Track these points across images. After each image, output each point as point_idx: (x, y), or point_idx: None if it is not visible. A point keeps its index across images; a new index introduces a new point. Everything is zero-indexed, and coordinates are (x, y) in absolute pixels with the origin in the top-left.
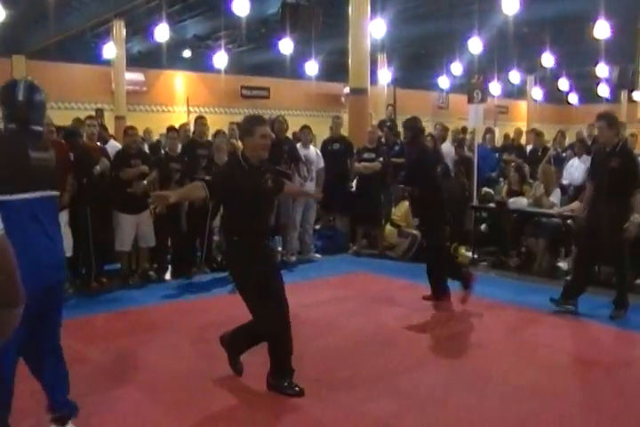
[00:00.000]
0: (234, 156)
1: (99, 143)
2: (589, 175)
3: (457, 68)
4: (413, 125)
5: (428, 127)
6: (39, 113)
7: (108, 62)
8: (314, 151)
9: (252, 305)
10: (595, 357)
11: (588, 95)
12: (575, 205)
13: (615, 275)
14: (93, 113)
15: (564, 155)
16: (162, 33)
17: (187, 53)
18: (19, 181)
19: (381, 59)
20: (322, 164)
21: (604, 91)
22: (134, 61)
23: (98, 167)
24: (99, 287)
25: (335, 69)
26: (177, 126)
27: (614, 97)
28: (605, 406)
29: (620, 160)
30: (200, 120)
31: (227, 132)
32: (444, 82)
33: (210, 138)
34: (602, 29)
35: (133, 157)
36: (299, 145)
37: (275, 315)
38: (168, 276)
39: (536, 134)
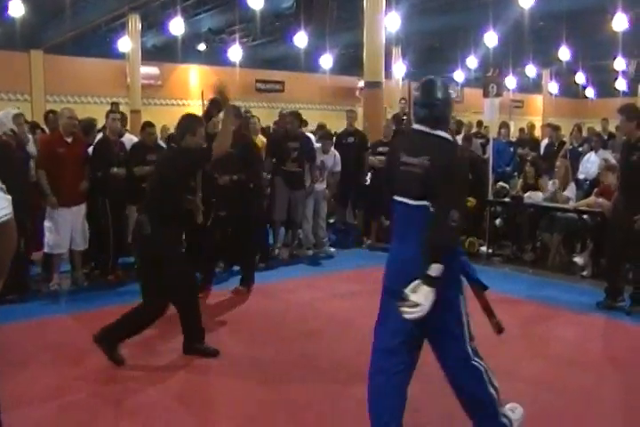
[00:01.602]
0: None
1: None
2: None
3: (472, 61)
4: None
5: None
6: None
7: (123, 56)
8: (332, 156)
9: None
10: (609, 352)
11: (605, 89)
12: (591, 199)
13: (633, 270)
14: (108, 107)
15: (580, 149)
16: (177, 27)
17: (201, 47)
18: None
19: (396, 52)
20: (338, 167)
21: (621, 84)
22: (149, 55)
23: (115, 169)
24: (115, 280)
25: (350, 63)
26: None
27: (631, 90)
28: (618, 402)
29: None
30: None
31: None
32: (458, 75)
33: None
34: (620, 22)
35: (150, 152)
36: (318, 147)
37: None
38: None
39: (553, 128)
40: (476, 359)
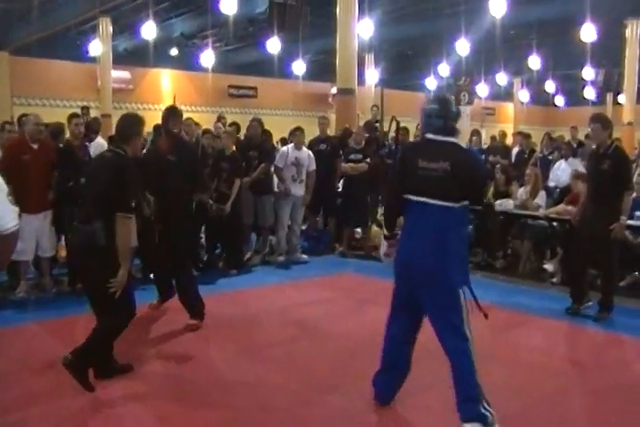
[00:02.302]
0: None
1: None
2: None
3: (444, 69)
4: None
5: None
6: None
7: (93, 60)
8: (306, 153)
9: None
10: (577, 358)
11: (574, 98)
12: (561, 207)
13: (601, 277)
14: (79, 110)
15: (550, 157)
16: (148, 31)
17: (174, 52)
18: None
19: (369, 59)
20: (313, 166)
21: (589, 93)
22: (120, 59)
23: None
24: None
25: (322, 69)
26: None
27: (600, 99)
28: (583, 406)
29: (610, 162)
30: (186, 121)
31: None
32: (431, 83)
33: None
34: (588, 32)
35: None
36: (291, 146)
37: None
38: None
39: (523, 136)
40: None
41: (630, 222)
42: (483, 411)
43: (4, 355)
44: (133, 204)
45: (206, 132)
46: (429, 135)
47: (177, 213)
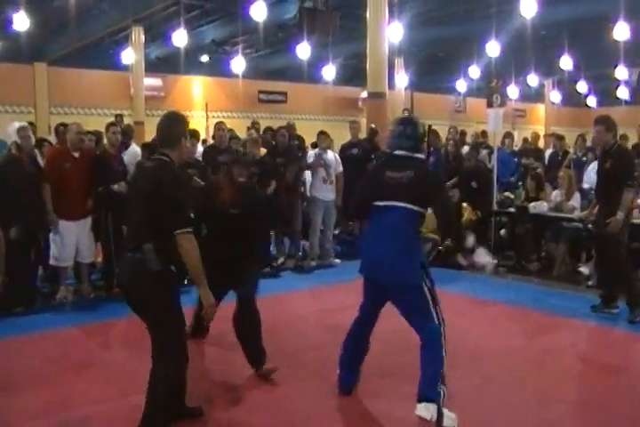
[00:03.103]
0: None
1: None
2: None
3: (474, 71)
4: None
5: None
6: None
7: (126, 68)
8: (332, 155)
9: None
10: (614, 362)
11: (607, 98)
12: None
13: (612, 277)
14: (112, 118)
15: (584, 159)
16: (180, 38)
17: (204, 59)
18: None
19: (399, 63)
20: (340, 168)
21: (623, 93)
22: (152, 67)
23: (116, 186)
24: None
25: (352, 74)
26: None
27: (634, 99)
28: (625, 413)
29: (612, 161)
30: (219, 125)
31: (243, 136)
32: (461, 85)
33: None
34: (622, 31)
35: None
36: (317, 149)
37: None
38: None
39: (557, 138)
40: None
41: None
42: (439, 388)
43: (45, 357)
44: (191, 215)
45: (234, 137)
46: (398, 152)
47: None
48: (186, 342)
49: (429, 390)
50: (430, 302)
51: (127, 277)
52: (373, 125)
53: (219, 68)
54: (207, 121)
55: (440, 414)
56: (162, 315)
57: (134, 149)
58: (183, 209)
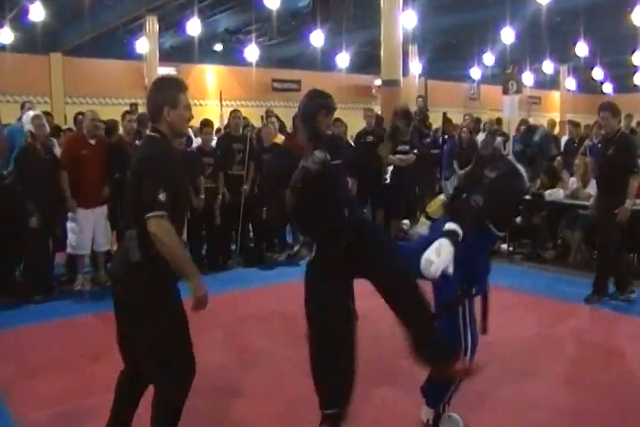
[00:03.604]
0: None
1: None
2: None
3: (489, 58)
4: None
5: (460, 119)
6: None
7: (140, 57)
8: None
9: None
10: (629, 349)
11: (624, 84)
12: None
13: (597, 258)
14: (127, 108)
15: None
16: (193, 27)
17: (218, 47)
18: None
19: (412, 50)
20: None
21: None
22: (166, 56)
23: None
24: None
25: (366, 61)
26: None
27: None
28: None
29: (615, 148)
30: (234, 113)
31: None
32: (475, 73)
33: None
34: (639, 16)
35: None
36: None
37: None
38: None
39: (573, 125)
40: None
41: None
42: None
43: (63, 345)
44: (162, 197)
45: (247, 125)
46: None
47: None
48: (192, 351)
49: (430, 396)
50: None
51: (111, 271)
52: (379, 112)
53: (232, 57)
54: (221, 110)
55: (437, 418)
56: (152, 322)
57: None
58: (155, 188)
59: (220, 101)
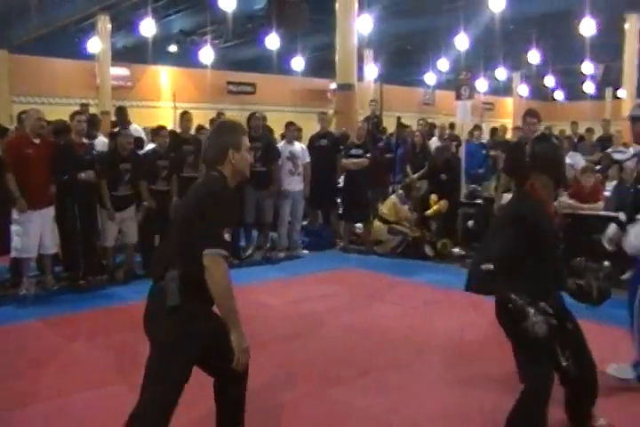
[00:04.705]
0: None
1: (85, 140)
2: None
3: (443, 64)
4: None
5: (415, 123)
6: None
7: (92, 57)
8: (299, 147)
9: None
10: None
11: (574, 92)
12: (563, 200)
13: None
14: (78, 108)
15: None
16: (147, 28)
17: (173, 49)
18: None
19: (368, 55)
20: (307, 159)
21: (589, 88)
22: (119, 56)
23: (83, 175)
24: (86, 284)
25: (322, 65)
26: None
27: (599, 94)
28: None
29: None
30: (185, 115)
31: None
32: (430, 78)
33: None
34: (587, 27)
35: (124, 161)
36: (284, 141)
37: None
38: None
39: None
40: None
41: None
42: None
43: (8, 351)
44: (227, 236)
45: (201, 128)
46: None
47: None
48: (170, 413)
49: None
50: None
51: (146, 312)
52: (345, 129)
53: (187, 59)
54: (175, 112)
55: None
56: (162, 361)
57: (101, 140)
58: (221, 226)
59: (174, 103)
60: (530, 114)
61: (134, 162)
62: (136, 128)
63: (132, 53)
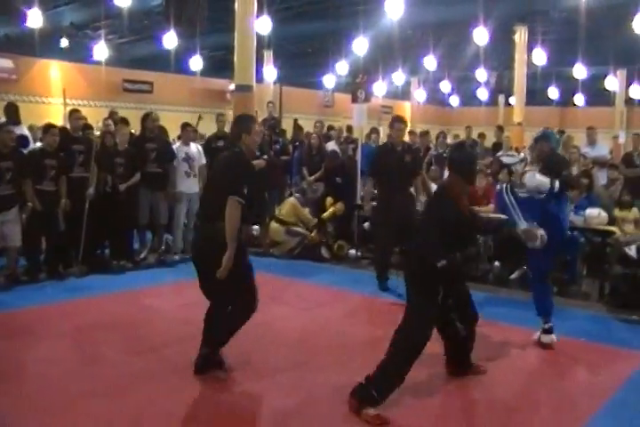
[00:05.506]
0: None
1: None
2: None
3: (342, 67)
4: None
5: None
6: None
7: None
8: (195, 148)
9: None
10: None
11: (468, 98)
12: None
13: None
14: None
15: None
16: (34, 18)
17: (64, 42)
18: None
19: (267, 56)
20: (203, 160)
21: (482, 94)
22: (1, 46)
23: None
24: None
25: (221, 65)
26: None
27: (492, 100)
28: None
29: (412, 155)
30: (74, 114)
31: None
32: (329, 81)
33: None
34: (480, 36)
35: (3, 159)
36: (180, 142)
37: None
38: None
39: (420, 134)
40: None
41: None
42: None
43: None
44: (244, 190)
45: (88, 127)
46: None
47: None
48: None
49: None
50: None
51: (202, 244)
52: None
53: (79, 54)
54: (65, 109)
55: None
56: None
57: None
58: (240, 184)
59: (64, 100)
60: (398, 120)
61: (16, 160)
62: (19, 126)
63: (17, 44)
